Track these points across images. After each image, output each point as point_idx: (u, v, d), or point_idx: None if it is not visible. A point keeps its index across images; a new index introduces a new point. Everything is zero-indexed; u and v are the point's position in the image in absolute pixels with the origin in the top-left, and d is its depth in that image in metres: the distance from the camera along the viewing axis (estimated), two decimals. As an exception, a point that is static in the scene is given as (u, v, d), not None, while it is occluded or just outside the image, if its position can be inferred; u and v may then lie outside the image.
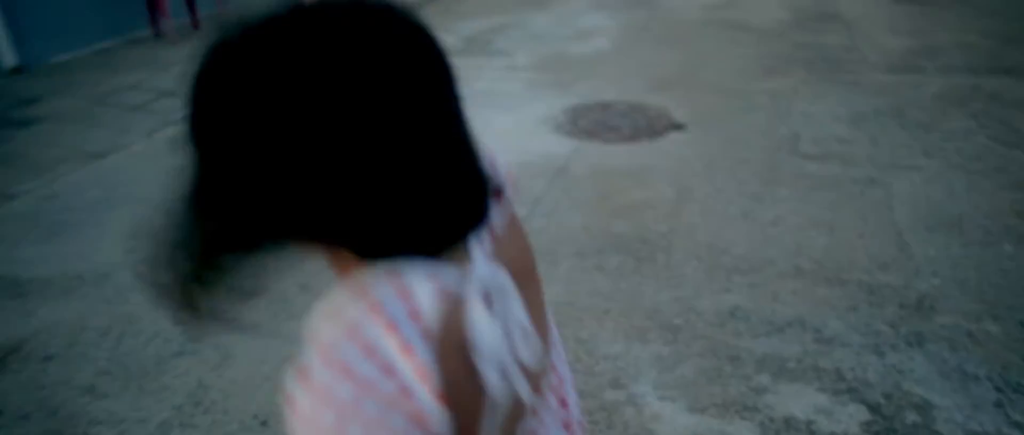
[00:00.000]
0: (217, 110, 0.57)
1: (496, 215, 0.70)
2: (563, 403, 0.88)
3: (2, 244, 3.45)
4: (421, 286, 0.59)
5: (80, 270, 3.19)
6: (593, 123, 4.49)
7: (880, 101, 4.69)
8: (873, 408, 2.17)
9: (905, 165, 3.77)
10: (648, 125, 4.44)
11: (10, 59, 5.81)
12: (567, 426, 0.90)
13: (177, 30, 6.55)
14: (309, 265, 0.72)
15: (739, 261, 2.97)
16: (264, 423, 2.29)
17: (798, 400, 2.23)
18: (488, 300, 0.62)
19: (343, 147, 0.55)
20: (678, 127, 4.38)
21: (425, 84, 0.58)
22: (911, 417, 2.14)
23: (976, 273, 2.80)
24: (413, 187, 0.58)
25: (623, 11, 7.50)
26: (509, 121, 4.61)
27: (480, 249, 0.65)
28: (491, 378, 0.61)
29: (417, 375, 0.57)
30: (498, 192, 0.71)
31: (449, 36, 6.89)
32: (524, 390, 0.65)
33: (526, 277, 0.74)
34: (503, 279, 0.64)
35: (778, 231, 3.18)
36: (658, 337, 2.54)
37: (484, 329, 0.60)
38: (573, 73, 5.51)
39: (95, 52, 6.38)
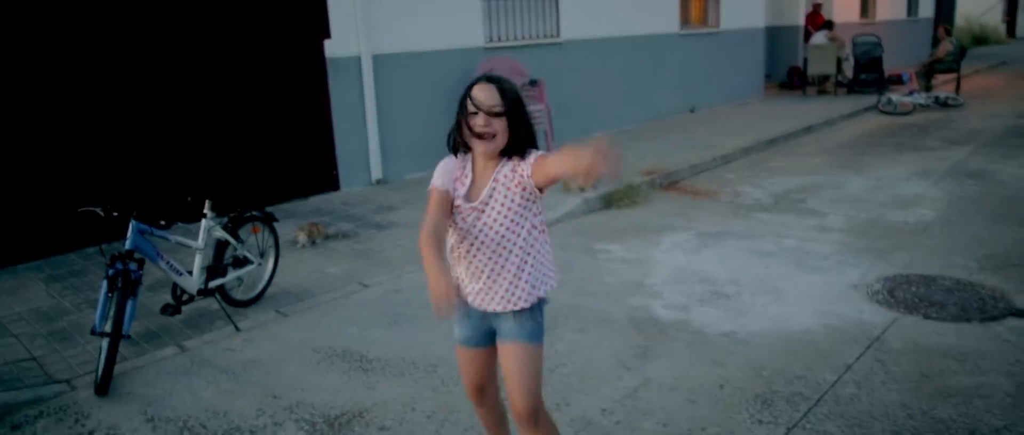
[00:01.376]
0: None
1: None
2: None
3: (357, 324, 4.10)
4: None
5: (414, 357, 3.67)
6: (913, 296, 4.22)
7: None
8: None
9: None
10: (979, 306, 4.06)
11: (377, 173, 7.00)
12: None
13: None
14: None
15: (1098, 476, 2.57)
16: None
17: None
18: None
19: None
20: (1018, 314, 3.95)
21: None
22: None
23: None
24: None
25: (951, 180, 7.00)
26: (818, 282, 4.50)
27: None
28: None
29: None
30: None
31: (757, 191, 6.95)
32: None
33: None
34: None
35: None
36: None
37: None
38: (891, 241, 5.24)
39: (439, 173, 7.42)
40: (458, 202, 2.10)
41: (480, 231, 2.11)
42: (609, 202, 6.36)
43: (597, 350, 3.68)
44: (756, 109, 11.76)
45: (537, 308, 2.22)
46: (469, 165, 2.14)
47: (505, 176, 2.09)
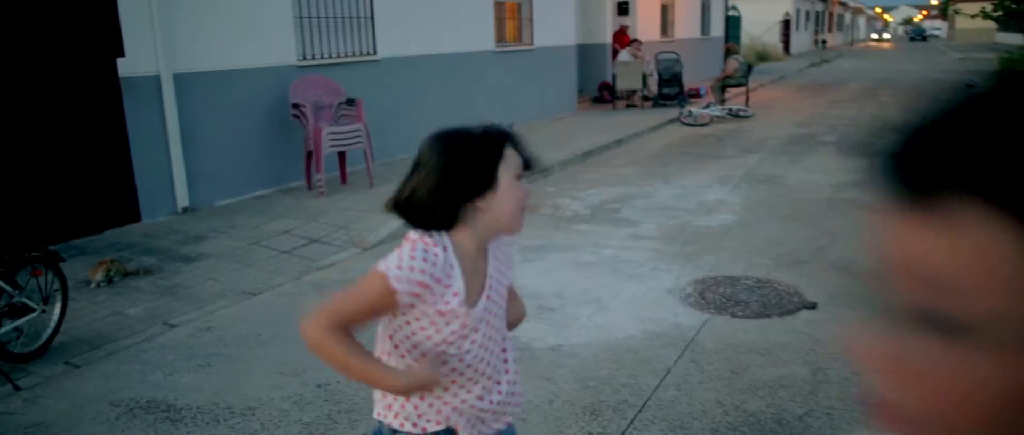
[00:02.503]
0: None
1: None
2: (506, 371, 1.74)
3: (162, 369, 3.74)
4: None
5: (230, 401, 3.40)
6: (721, 297, 4.51)
7: None
8: None
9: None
10: (778, 302, 4.41)
11: (183, 200, 6.48)
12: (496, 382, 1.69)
13: (327, 183, 7.15)
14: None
15: (884, 452, 2.84)
16: None
17: None
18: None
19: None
20: (810, 306, 4.32)
21: None
22: None
23: None
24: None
25: (746, 186, 7.61)
26: (637, 289, 4.69)
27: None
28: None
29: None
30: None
31: (576, 203, 7.18)
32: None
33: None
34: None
35: (925, 423, 3.03)
36: (800, 526, 2.43)
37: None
38: (699, 245, 5.59)
39: (254, 198, 7.02)
40: (448, 308, 1.54)
41: (488, 326, 1.65)
42: (434, 221, 6.30)
43: (427, 375, 3.59)
44: (571, 123, 12.22)
45: None
46: (451, 255, 1.55)
47: (498, 261, 1.68)
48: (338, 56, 8.25)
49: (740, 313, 4.27)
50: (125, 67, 6.07)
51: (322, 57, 8.02)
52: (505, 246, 1.73)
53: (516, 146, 1.57)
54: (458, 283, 1.54)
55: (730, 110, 13.39)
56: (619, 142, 10.48)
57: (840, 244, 5.55)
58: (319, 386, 3.50)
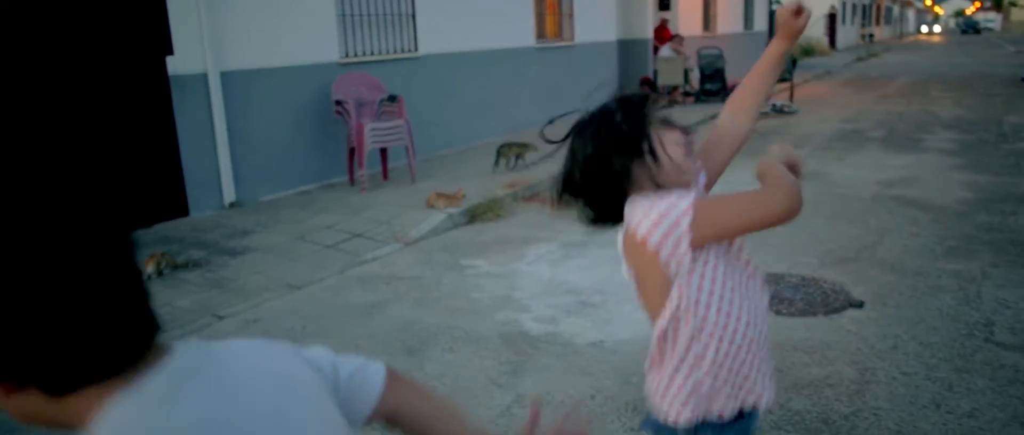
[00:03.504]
0: None
1: None
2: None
3: (211, 361, 3.83)
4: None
5: (276, 392, 3.47)
6: (764, 293, 4.45)
7: (1086, 293, 4.34)
8: None
9: (1124, 366, 3.44)
10: (823, 300, 4.34)
11: (230, 195, 6.62)
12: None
13: (369, 179, 7.23)
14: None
15: (934, 453, 2.78)
16: None
17: None
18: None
19: None
20: (857, 304, 4.24)
21: None
22: None
23: None
24: None
25: (791, 183, 7.49)
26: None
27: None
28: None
29: None
30: None
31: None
32: None
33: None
34: None
35: (977, 425, 2.96)
36: (846, 526, 2.39)
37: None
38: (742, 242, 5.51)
39: (298, 193, 7.13)
40: (715, 258, 1.54)
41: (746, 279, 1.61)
42: (473, 217, 6.33)
43: (468, 369, 3.62)
44: (612, 119, 12.14)
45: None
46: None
47: None
48: (380, 53, 8.33)
49: (785, 310, 4.21)
50: (174, 65, 6.21)
51: (364, 54, 8.11)
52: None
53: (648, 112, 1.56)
54: None
55: (774, 105, 13.19)
56: (660, 138, 10.38)
57: (888, 242, 5.44)
58: (362, 378, 3.55)
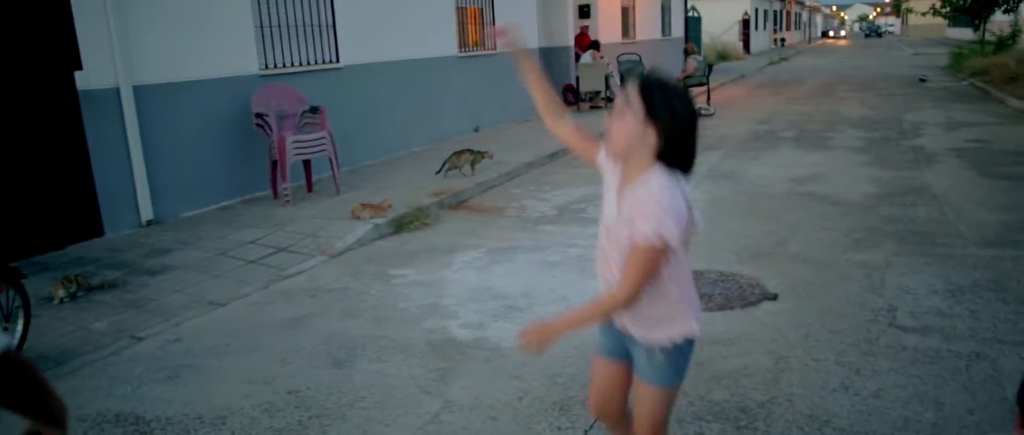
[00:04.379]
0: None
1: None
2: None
3: (130, 383, 3.72)
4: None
5: (200, 412, 3.39)
6: (685, 290, 4.59)
7: (978, 275, 4.65)
8: None
9: (1011, 340, 3.70)
10: (740, 295, 4.51)
11: (147, 213, 6.42)
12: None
13: (293, 192, 7.13)
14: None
15: (842, 434, 2.94)
16: None
17: None
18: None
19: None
20: (771, 297, 4.43)
21: None
22: None
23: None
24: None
25: (709, 183, 7.75)
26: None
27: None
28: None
29: None
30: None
31: (542, 204, 7.24)
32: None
33: None
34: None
35: (882, 404, 3.14)
36: (763, 507, 2.51)
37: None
38: (663, 241, 5.67)
39: (220, 209, 6.97)
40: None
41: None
42: (400, 226, 6.32)
43: (396, 378, 3.62)
44: (536, 125, 12.27)
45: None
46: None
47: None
48: (301, 65, 8.23)
49: (704, 306, 4.35)
50: (84, 80, 6.00)
51: (284, 66, 8.00)
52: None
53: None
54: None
55: (692, 109, 13.57)
56: (584, 143, 10.56)
57: (800, 236, 5.69)
58: (289, 393, 3.51)
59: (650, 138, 1.89)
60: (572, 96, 14.76)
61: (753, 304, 4.35)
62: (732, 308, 4.31)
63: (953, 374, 3.38)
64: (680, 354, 2.10)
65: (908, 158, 8.72)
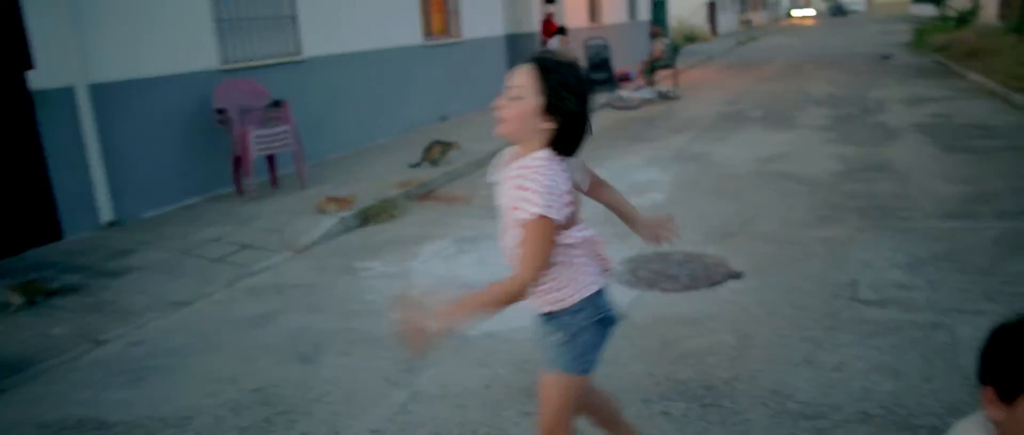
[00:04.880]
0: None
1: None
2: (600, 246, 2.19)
3: (92, 388, 3.66)
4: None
5: (164, 413, 3.35)
6: (652, 273, 4.62)
7: (937, 247, 4.72)
8: None
9: (968, 309, 3.76)
10: (706, 274, 4.54)
11: (107, 214, 6.30)
12: (602, 260, 2.21)
13: (257, 188, 7.04)
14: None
15: (804, 407, 2.97)
16: None
17: None
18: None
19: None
20: (736, 276, 4.47)
21: None
22: None
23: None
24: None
25: (676, 165, 7.78)
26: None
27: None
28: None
29: None
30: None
31: (509, 190, 7.22)
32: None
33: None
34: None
35: (842, 376, 3.18)
36: (727, 484, 2.53)
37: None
38: (630, 224, 5.69)
39: (182, 208, 6.86)
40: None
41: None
42: (366, 219, 6.28)
43: (363, 371, 3.60)
44: (505, 114, 12.25)
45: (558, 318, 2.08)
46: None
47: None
48: (262, 58, 8.11)
49: (670, 287, 4.38)
50: (36, 80, 5.86)
51: (245, 59, 7.87)
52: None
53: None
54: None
55: (659, 92, 13.63)
56: (552, 129, 10.55)
57: (765, 215, 5.74)
58: (255, 390, 3.48)
59: (544, 122, 1.90)
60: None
61: (718, 283, 4.38)
62: (698, 288, 4.34)
63: (912, 344, 3.43)
64: (578, 339, 2.06)
65: (872, 134, 8.83)
